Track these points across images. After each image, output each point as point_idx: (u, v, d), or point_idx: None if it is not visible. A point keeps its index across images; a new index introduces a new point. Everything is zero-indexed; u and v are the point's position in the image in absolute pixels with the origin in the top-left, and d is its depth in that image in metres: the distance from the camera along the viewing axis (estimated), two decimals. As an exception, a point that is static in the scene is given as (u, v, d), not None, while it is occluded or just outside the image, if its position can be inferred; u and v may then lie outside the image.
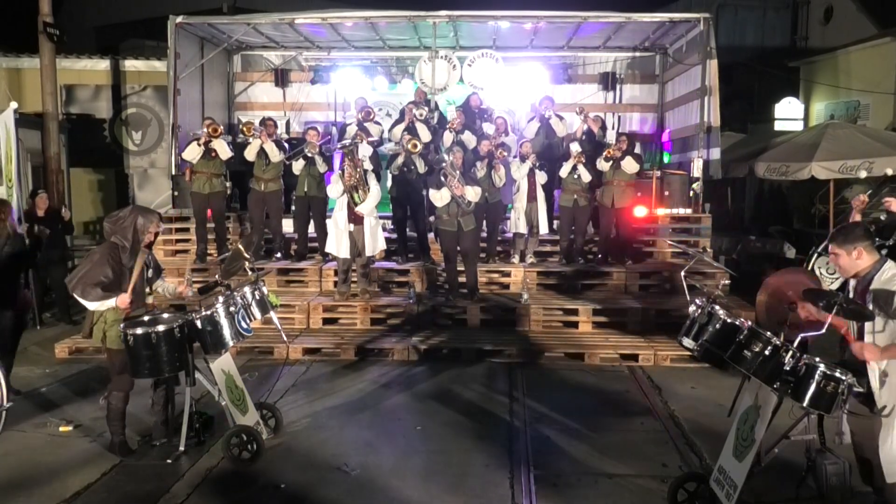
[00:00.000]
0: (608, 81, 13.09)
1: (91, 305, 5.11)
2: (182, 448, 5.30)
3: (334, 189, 8.70)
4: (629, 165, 9.64)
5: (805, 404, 3.79)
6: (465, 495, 4.79)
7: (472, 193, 8.61)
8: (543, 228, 9.88)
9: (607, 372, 7.59)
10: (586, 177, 9.69)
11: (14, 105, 9.06)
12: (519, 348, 8.05)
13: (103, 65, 13.84)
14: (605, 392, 6.95)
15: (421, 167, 9.70)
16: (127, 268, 5.19)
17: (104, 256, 5.13)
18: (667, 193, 10.73)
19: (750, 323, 4.01)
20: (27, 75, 13.17)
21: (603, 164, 9.73)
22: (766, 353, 3.87)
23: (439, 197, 8.60)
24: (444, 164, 8.73)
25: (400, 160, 9.68)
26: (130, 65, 13.88)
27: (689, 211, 10.58)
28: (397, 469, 5.17)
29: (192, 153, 9.59)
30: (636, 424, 6.06)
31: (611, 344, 8.18)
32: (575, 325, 8.76)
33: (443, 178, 8.57)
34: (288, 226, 10.28)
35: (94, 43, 15.62)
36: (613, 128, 12.78)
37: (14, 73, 13.43)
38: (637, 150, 10.73)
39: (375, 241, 8.89)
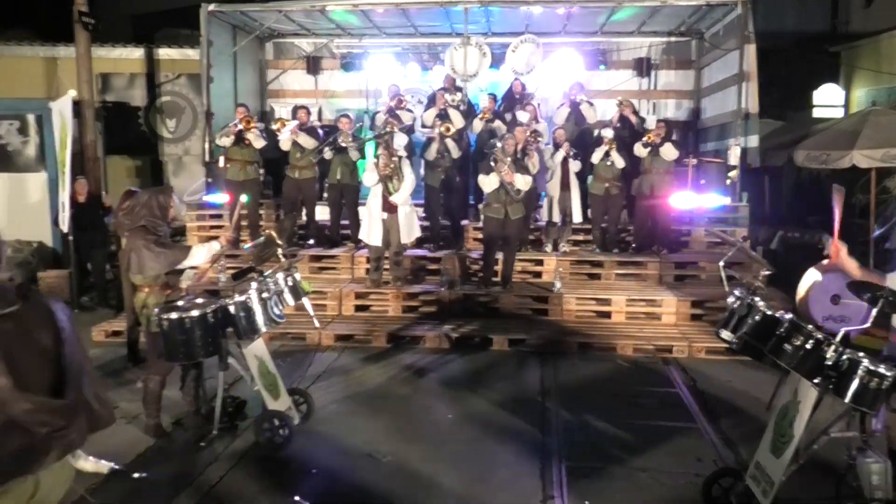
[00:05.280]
0: (642, 67, 12.87)
1: (201, 258, 5.28)
2: (215, 431, 5.35)
3: (369, 178, 8.68)
4: (668, 152, 9.48)
5: (847, 400, 3.67)
6: (496, 485, 4.76)
7: (522, 181, 8.50)
8: (577, 217, 9.78)
9: (641, 363, 7.49)
10: (619, 163, 9.55)
11: (73, 93, 9.24)
12: (551, 338, 7.99)
13: (138, 53, 13.95)
14: (639, 383, 6.86)
15: (455, 153, 9.64)
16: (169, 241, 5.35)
17: (150, 241, 5.19)
18: (703, 182, 10.54)
19: (791, 315, 3.91)
20: (64, 64, 13.32)
21: (641, 151, 9.57)
22: (808, 346, 3.77)
23: (488, 182, 8.52)
24: (495, 150, 8.64)
25: (434, 147, 9.63)
26: (164, 53, 13.98)
27: (726, 199, 10.39)
28: (428, 457, 5.16)
29: (225, 142, 9.69)
30: (670, 417, 5.97)
31: (644, 335, 8.08)
32: (608, 314, 8.66)
33: (493, 164, 8.50)
34: (322, 213, 10.31)
35: (128, 32, 15.73)
36: (648, 114, 12.58)
37: (51, 62, 13.60)
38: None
39: (410, 229, 8.87)
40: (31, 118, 11.24)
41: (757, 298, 4.08)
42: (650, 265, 9.52)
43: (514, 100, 10.93)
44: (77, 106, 11.81)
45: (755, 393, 6.14)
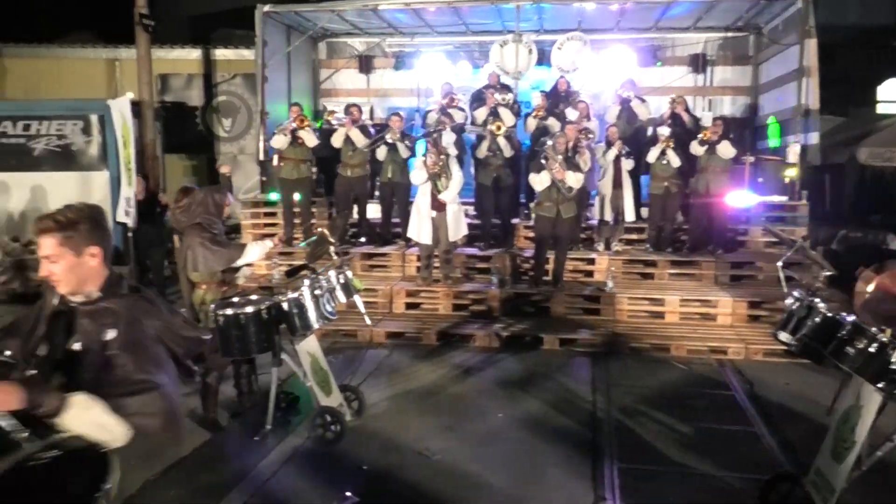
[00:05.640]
0: (698, 63, 12.62)
1: (255, 256, 5.42)
2: (269, 426, 5.43)
3: (418, 176, 8.71)
4: (725, 150, 9.28)
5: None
6: (547, 485, 4.73)
7: (574, 179, 8.43)
8: (630, 216, 9.65)
9: (695, 365, 7.36)
10: (675, 162, 9.38)
11: (130, 95, 9.51)
12: (603, 338, 7.90)
13: (195, 54, 14.26)
14: (693, 385, 6.75)
15: (506, 151, 9.60)
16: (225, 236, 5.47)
17: (206, 239, 5.30)
18: (760, 180, 10.29)
19: (854, 317, 3.79)
20: (125, 66, 13.72)
21: (697, 149, 9.39)
22: (872, 350, 3.65)
23: (539, 181, 8.48)
24: (546, 148, 8.59)
25: (485, 145, 9.61)
26: (220, 54, 14.26)
27: (784, 199, 10.13)
28: (478, 456, 5.16)
29: (280, 142, 9.83)
30: (725, 420, 5.84)
31: (699, 336, 7.93)
32: (661, 315, 8.52)
33: (544, 162, 8.45)
34: (373, 211, 10.38)
35: (186, 33, 16.09)
36: (703, 111, 12.34)
37: (112, 63, 14.01)
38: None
39: (458, 227, 8.88)
40: (94, 118, 11.59)
41: (817, 300, 3.97)
42: (705, 265, 9.33)
43: (559, 98, 10.84)
44: (137, 106, 12.16)
45: (815, 396, 5.97)
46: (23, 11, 16.37)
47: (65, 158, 11.68)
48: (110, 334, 2.33)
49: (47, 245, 2.41)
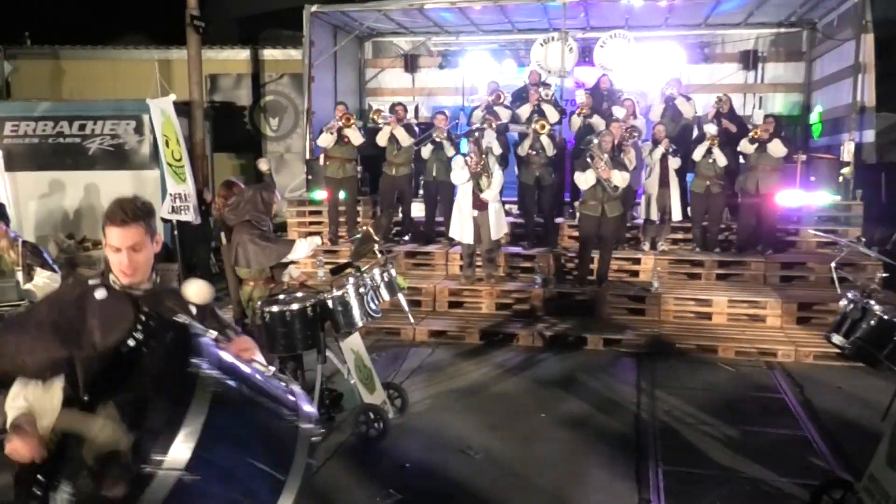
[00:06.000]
0: (749, 60, 12.37)
1: (303, 252, 5.50)
2: (313, 423, 5.47)
3: (459, 176, 8.69)
4: (776, 149, 9.07)
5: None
6: (591, 486, 4.69)
7: (620, 178, 8.34)
8: (676, 215, 9.51)
9: (743, 367, 7.21)
10: (722, 161, 9.21)
11: (173, 96, 9.69)
12: (648, 338, 7.80)
13: (244, 54, 14.50)
14: (741, 388, 6.62)
15: (549, 150, 9.54)
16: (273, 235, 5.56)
17: (255, 235, 5.38)
18: (812, 179, 10.04)
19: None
20: (176, 66, 14.00)
21: (747, 147, 9.20)
22: (930, 353, 3.54)
23: (584, 179, 8.41)
24: (591, 146, 8.52)
25: (527, 143, 9.57)
26: (269, 54, 14.47)
27: (837, 198, 9.87)
28: (521, 456, 5.14)
29: (326, 140, 9.92)
30: (774, 423, 5.72)
31: (747, 337, 7.77)
32: (708, 316, 8.38)
33: (589, 160, 8.38)
34: (417, 209, 10.43)
35: (235, 34, 16.37)
36: (754, 109, 12.09)
37: (164, 63, 14.31)
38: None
39: (499, 225, 8.85)
40: (145, 118, 11.83)
41: (872, 302, 3.86)
42: (754, 265, 9.15)
43: (601, 96, 10.73)
44: (187, 106, 12.42)
45: (869, 401, 5.79)
46: (78, 15, 16.85)
47: (118, 157, 11.97)
48: (184, 317, 2.25)
49: (133, 234, 2.42)
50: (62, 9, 16.79)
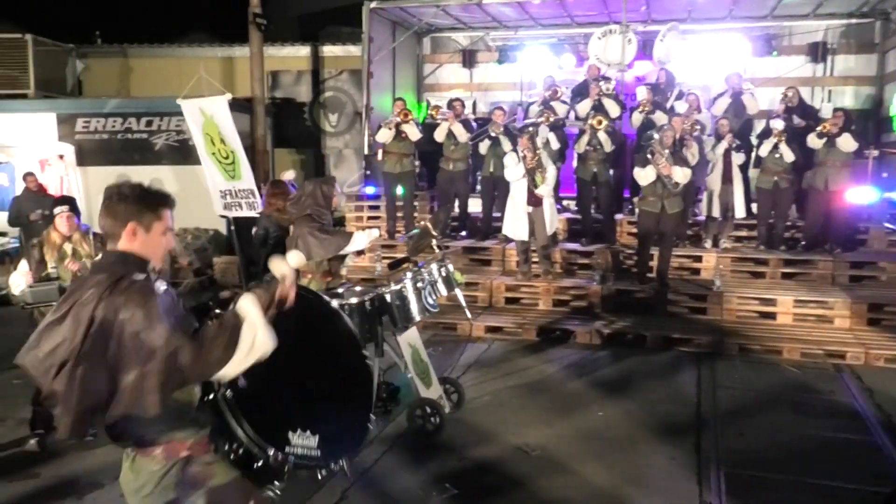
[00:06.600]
0: (818, 52, 11.97)
1: (361, 244, 5.56)
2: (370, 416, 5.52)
3: (514, 172, 8.62)
4: (846, 143, 8.75)
5: None
6: (649, 487, 4.62)
7: (681, 174, 8.17)
8: (740, 212, 9.28)
9: (809, 369, 7.00)
10: (789, 156, 8.94)
11: (228, 96, 9.83)
12: (709, 338, 7.63)
13: (304, 51, 14.68)
14: (807, 391, 6.42)
15: (607, 146, 9.41)
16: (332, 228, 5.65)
17: (314, 228, 5.45)
18: (885, 175, 9.67)
19: None
20: (238, 63, 14.27)
21: (815, 142, 8.90)
22: None
23: (644, 175, 8.26)
24: (652, 142, 8.38)
25: (584, 139, 9.45)
26: (328, 50, 14.62)
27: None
28: (578, 454, 5.09)
29: (384, 136, 9.98)
30: (842, 428, 5.53)
31: (814, 339, 7.53)
32: (773, 315, 8.15)
33: (649, 156, 8.24)
34: (474, 205, 10.42)
35: (295, 31, 16.60)
36: (822, 102, 11.70)
37: (227, 61, 14.61)
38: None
39: (552, 220, 8.78)
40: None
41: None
42: (821, 264, 8.86)
43: (661, 91, 10.52)
44: (249, 102, 12.65)
45: (944, 408, 5.57)
46: (145, 14, 17.33)
47: (182, 153, 12.28)
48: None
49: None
50: (131, 8, 17.32)
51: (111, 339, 2.18)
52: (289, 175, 9.15)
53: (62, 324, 2.21)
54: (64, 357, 2.17)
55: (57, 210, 5.39)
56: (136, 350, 2.16)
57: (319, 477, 2.63)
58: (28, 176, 10.11)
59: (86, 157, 12.30)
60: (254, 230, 7.81)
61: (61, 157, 11.81)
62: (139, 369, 2.16)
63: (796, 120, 9.57)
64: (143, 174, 12.05)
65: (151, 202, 2.46)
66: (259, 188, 10.46)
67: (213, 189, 9.81)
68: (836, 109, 9.60)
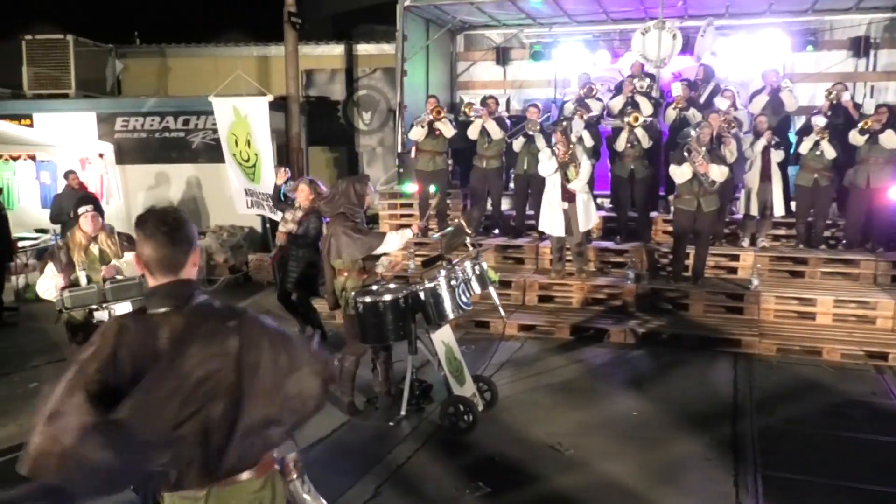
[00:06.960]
0: (860, 47, 11.70)
1: (394, 245, 5.59)
2: (403, 413, 5.56)
3: (547, 167, 8.57)
4: (890, 140, 8.54)
5: None
6: (684, 488, 4.57)
7: (718, 172, 8.05)
8: (778, 210, 9.11)
9: (849, 371, 6.86)
10: (830, 154, 8.76)
11: (270, 97, 9.94)
12: (746, 338, 7.52)
13: (338, 50, 14.75)
14: (847, 393, 6.29)
15: (644, 143, 9.32)
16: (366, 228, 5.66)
17: (348, 227, 5.48)
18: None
19: None
20: (273, 62, 14.40)
21: (857, 139, 8.71)
22: None
23: (680, 173, 8.17)
24: (689, 139, 8.28)
25: (624, 136, 9.36)
26: (362, 49, 14.67)
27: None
28: (612, 453, 5.05)
29: (417, 134, 9.99)
30: (884, 431, 5.42)
31: (855, 339, 7.39)
32: (812, 316, 8.00)
33: (686, 154, 8.14)
34: (507, 203, 10.39)
35: (329, 29, 16.68)
36: (865, 98, 11.43)
37: (263, 60, 14.74)
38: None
39: (588, 216, 8.71)
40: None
41: None
42: (863, 263, 8.67)
43: (698, 88, 10.37)
44: (284, 101, 12.76)
45: None
46: (183, 14, 17.57)
47: (218, 151, 12.35)
48: None
49: None
50: (168, 9, 17.57)
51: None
52: (281, 176, 8.94)
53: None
54: None
55: (81, 210, 5.18)
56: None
57: None
58: (70, 174, 10.32)
59: (125, 155, 12.51)
60: (297, 229, 7.58)
61: (101, 155, 12.01)
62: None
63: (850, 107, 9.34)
64: (180, 172, 12.45)
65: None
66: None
67: (237, 187, 9.94)
68: (878, 105, 9.37)
